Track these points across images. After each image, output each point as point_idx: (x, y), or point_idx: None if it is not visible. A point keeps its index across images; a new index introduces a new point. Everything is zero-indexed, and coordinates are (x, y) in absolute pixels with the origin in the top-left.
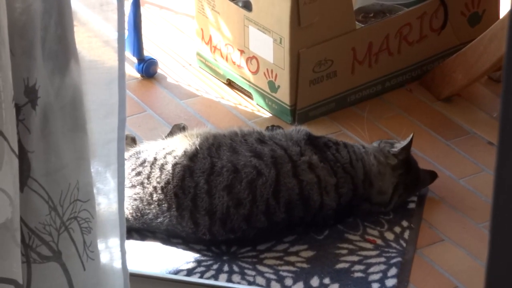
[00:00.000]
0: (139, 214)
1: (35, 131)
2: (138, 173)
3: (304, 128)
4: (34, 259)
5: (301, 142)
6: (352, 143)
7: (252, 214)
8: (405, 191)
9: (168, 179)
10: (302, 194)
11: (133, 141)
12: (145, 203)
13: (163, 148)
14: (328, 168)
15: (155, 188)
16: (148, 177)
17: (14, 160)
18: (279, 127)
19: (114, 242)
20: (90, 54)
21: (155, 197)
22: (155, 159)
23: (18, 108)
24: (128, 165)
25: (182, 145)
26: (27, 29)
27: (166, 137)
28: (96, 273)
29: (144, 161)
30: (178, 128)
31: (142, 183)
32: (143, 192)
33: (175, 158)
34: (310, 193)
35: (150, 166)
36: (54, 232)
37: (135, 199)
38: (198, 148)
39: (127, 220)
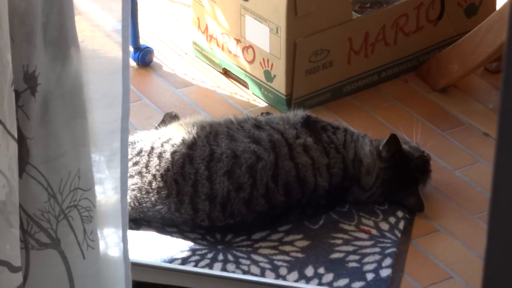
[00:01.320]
0: (137, 203)
1: (34, 117)
2: (136, 163)
3: (301, 112)
4: (32, 245)
5: (297, 125)
6: (357, 131)
7: (252, 198)
8: (382, 185)
9: (168, 166)
10: (298, 176)
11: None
12: (144, 192)
13: (159, 138)
14: (321, 149)
15: (154, 176)
16: (147, 166)
17: (11, 143)
18: (269, 113)
19: (116, 232)
20: (93, 43)
21: (154, 185)
22: (152, 148)
23: (18, 94)
24: None
25: (178, 133)
26: (27, 16)
27: (158, 125)
28: (96, 262)
29: (141, 151)
30: (170, 117)
31: (140, 173)
32: (142, 182)
33: (173, 146)
34: (306, 175)
35: (148, 155)
36: (52, 219)
37: (133, 190)
38: (196, 136)
39: None
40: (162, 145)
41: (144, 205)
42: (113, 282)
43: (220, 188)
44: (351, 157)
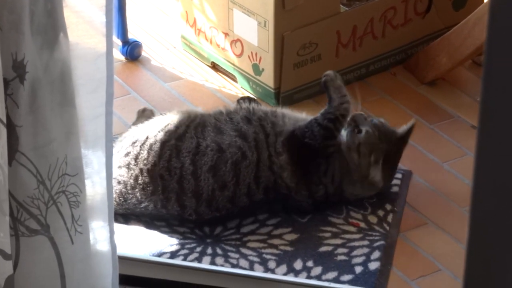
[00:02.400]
0: (122, 199)
1: (23, 105)
2: (127, 154)
3: (291, 124)
4: (22, 232)
5: (281, 136)
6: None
7: (235, 196)
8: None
9: (155, 161)
10: (275, 183)
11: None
12: (129, 188)
13: (158, 126)
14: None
15: (141, 170)
16: (136, 158)
17: (2, 131)
18: (253, 100)
19: (102, 215)
20: (78, 29)
21: (140, 180)
22: (147, 137)
23: (6, 83)
24: (122, 145)
25: (175, 120)
26: (16, 4)
27: (132, 125)
28: (85, 247)
29: (136, 141)
30: (144, 116)
31: (128, 165)
32: (128, 175)
33: (165, 134)
34: (282, 186)
35: (140, 146)
36: (42, 205)
37: (119, 182)
38: (186, 127)
39: None
40: (155, 135)
41: (129, 201)
42: (100, 266)
43: (205, 185)
44: (334, 190)
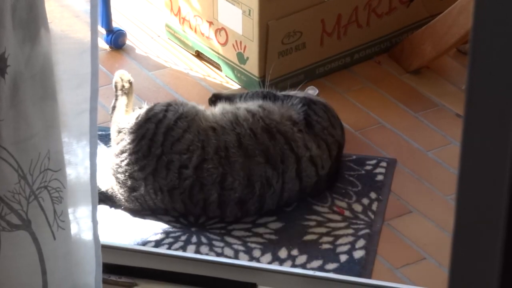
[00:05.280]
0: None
1: (4, 99)
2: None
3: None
4: (3, 227)
5: None
6: None
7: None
8: None
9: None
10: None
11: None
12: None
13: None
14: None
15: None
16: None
17: None
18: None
19: (85, 212)
20: (62, 24)
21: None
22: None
23: None
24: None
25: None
26: None
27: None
28: (67, 243)
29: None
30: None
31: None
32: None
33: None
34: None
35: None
36: (23, 200)
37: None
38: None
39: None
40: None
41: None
42: (84, 262)
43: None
44: None
